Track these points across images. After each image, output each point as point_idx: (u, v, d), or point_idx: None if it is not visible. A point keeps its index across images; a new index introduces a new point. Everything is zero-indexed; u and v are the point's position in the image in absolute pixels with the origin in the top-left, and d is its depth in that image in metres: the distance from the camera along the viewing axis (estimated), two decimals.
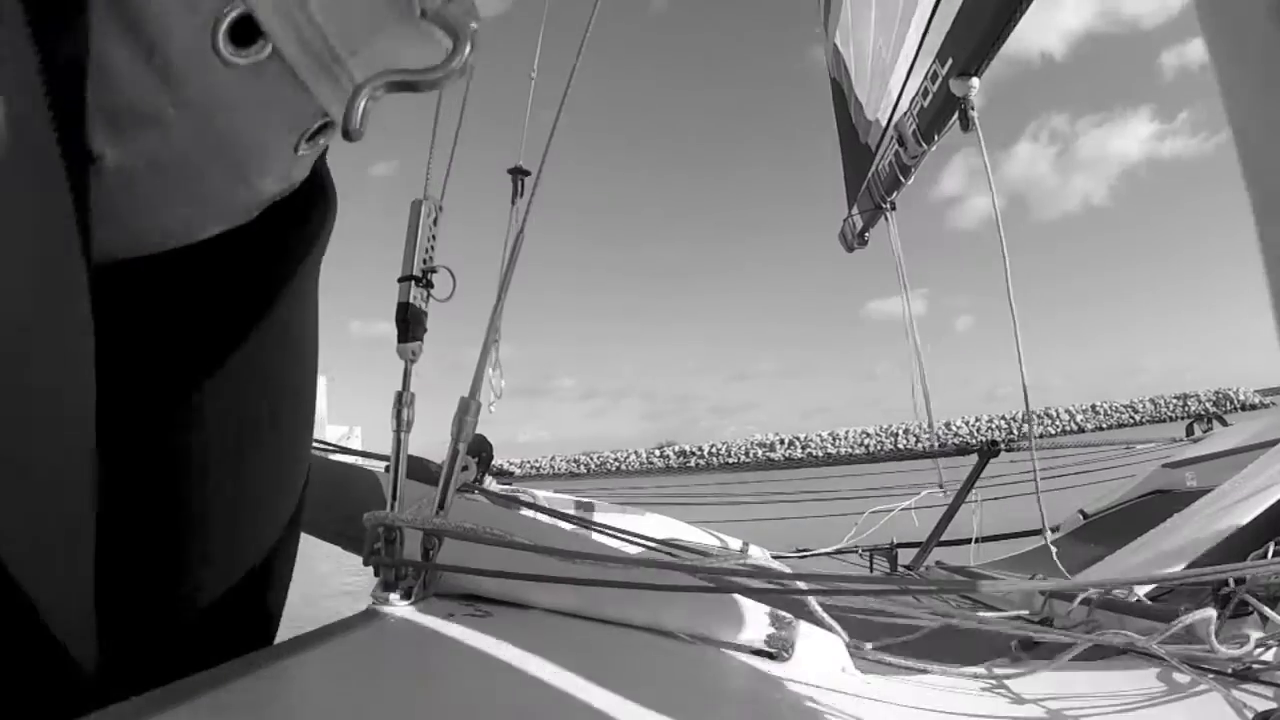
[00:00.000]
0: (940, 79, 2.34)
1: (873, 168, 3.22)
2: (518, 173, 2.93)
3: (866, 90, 3.21)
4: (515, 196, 2.94)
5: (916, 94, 2.61)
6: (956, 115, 2.25)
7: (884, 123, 3.02)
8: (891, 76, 2.83)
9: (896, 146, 2.89)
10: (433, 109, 1.31)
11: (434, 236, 1.14)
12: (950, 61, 2.26)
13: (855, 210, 3.58)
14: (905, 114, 2.75)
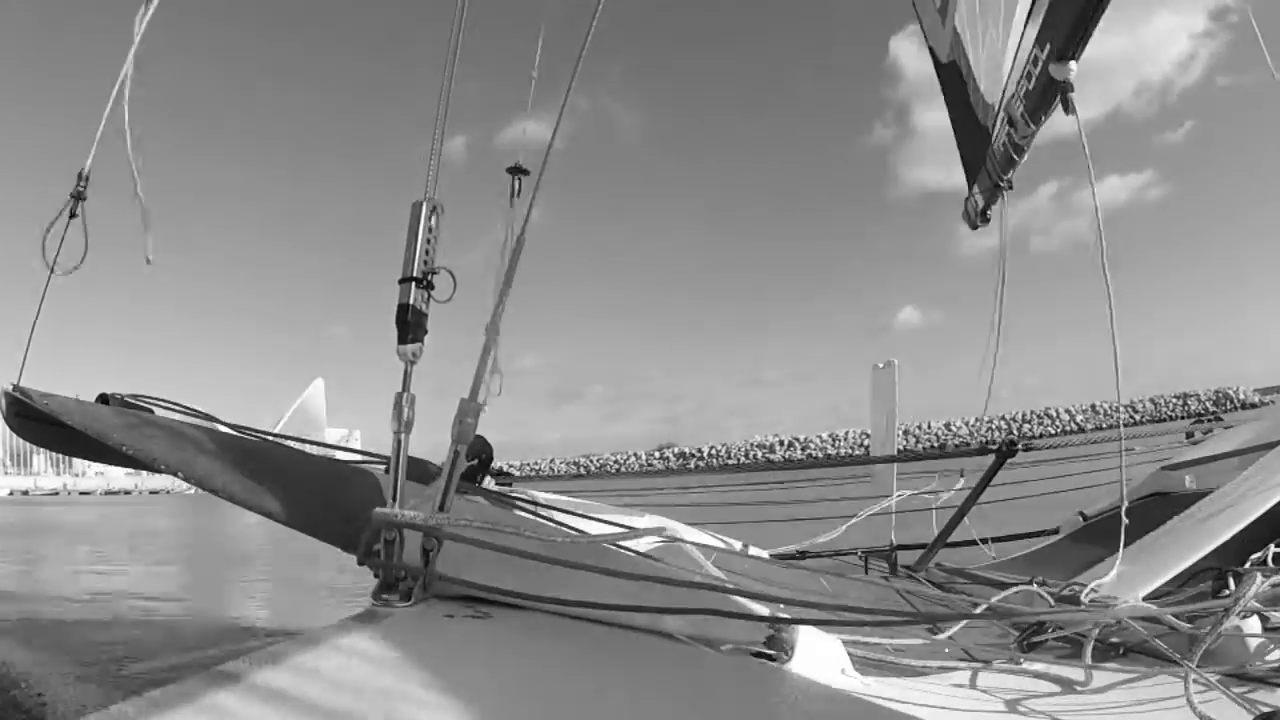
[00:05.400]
0: (1041, 63, 2.41)
1: (990, 147, 3.32)
2: (516, 171, 2.90)
3: (984, 74, 3.31)
4: (513, 196, 2.90)
5: (1021, 77, 2.70)
6: (1059, 98, 2.31)
7: (997, 105, 3.12)
8: (1004, 60, 2.93)
9: (1008, 128, 2.99)
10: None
11: (435, 237, 1.14)
12: (1049, 46, 2.32)
13: (975, 190, 3.67)
14: (1013, 96, 2.84)
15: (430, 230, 1.12)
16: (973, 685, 1.28)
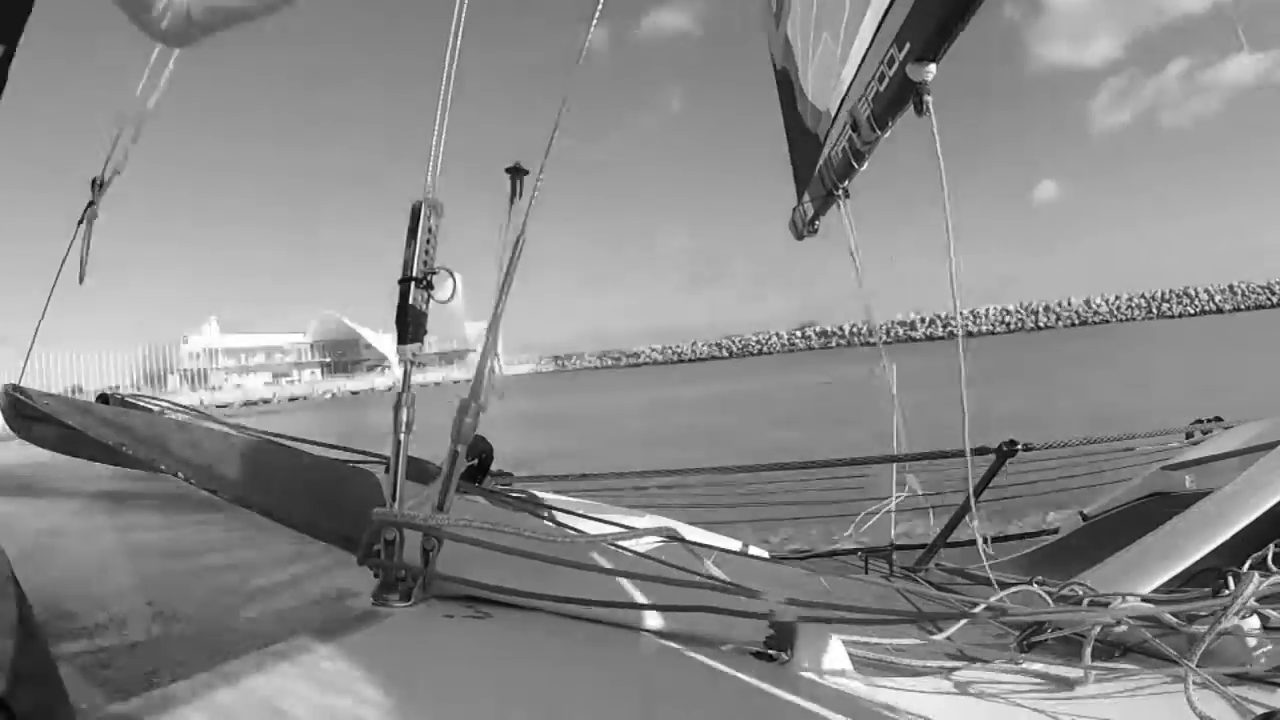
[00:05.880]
0: (897, 64, 2.28)
1: (824, 155, 3.16)
2: (516, 172, 2.87)
3: (813, 81, 3.15)
4: (514, 197, 2.87)
5: (872, 79, 2.54)
6: (912, 100, 2.22)
7: (834, 111, 2.96)
8: (844, 66, 2.75)
9: (850, 133, 2.82)
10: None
11: (434, 238, 1.14)
12: (908, 46, 2.22)
13: (806, 198, 3.53)
14: (860, 100, 2.68)
15: (430, 231, 1.13)
16: (972, 685, 1.28)
